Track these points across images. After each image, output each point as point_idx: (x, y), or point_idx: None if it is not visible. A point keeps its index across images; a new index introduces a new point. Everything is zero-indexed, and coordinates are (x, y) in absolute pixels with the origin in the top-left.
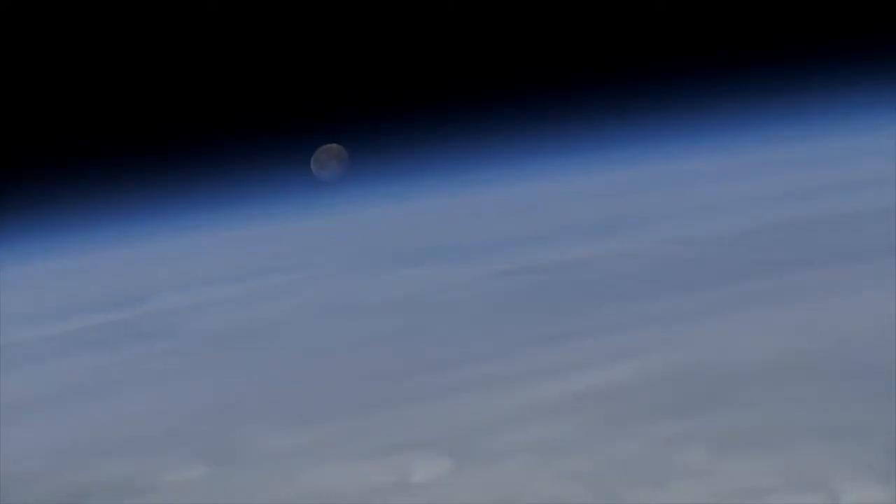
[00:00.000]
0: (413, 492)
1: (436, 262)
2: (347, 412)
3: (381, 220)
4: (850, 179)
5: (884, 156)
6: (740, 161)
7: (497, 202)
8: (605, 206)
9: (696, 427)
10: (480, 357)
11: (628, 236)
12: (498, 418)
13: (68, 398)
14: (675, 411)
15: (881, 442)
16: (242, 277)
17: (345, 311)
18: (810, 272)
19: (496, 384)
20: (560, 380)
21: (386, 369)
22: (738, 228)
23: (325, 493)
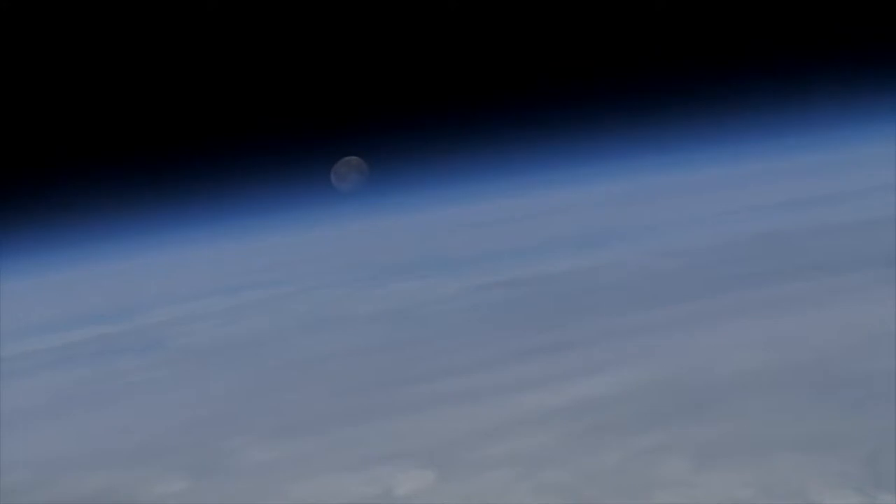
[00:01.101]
0: None
1: (424, 275)
2: (332, 424)
3: (372, 233)
4: (838, 191)
5: (873, 167)
6: (730, 172)
7: (487, 216)
8: (591, 219)
9: (676, 439)
10: (464, 369)
11: (614, 249)
12: (481, 430)
13: (56, 411)
14: (656, 423)
15: (858, 452)
16: (232, 290)
17: (332, 323)
18: (792, 284)
19: (480, 396)
20: (543, 392)
21: (371, 381)
22: (722, 240)
23: None
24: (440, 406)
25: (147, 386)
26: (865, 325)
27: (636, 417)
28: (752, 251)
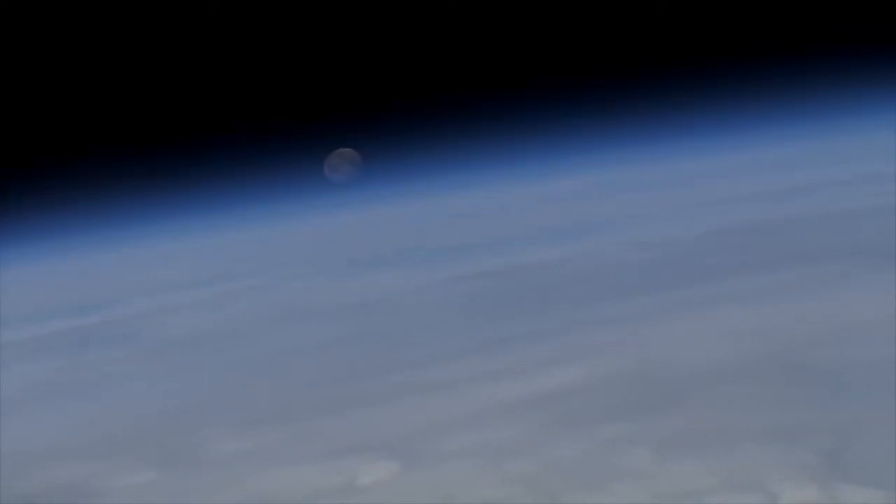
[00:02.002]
0: (358, 495)
1: (398, 267)
2: (301, 415)
3: (351, 225)
4: (815, 182)
5: (850, 159)
6: (708, 164)
7: (464, 207)
8: (568, 211)
9: (640, 429)
10: (435, 360)
11: (590, 240)
12: (448, 421)
13: (27, 402)
14: (622, 413)
15: (820, 443)
16: (211, 282)
17: (307, 315)
18: (766, 275)
19: (448, 387)
20: (511, 383)
21: (341, 373)
22: (699, 231)
23: (272, 496)
24: (408, 397)
25: (121, 377)
26: (836, 316)
27: (603, 408)
28: (728, 242)
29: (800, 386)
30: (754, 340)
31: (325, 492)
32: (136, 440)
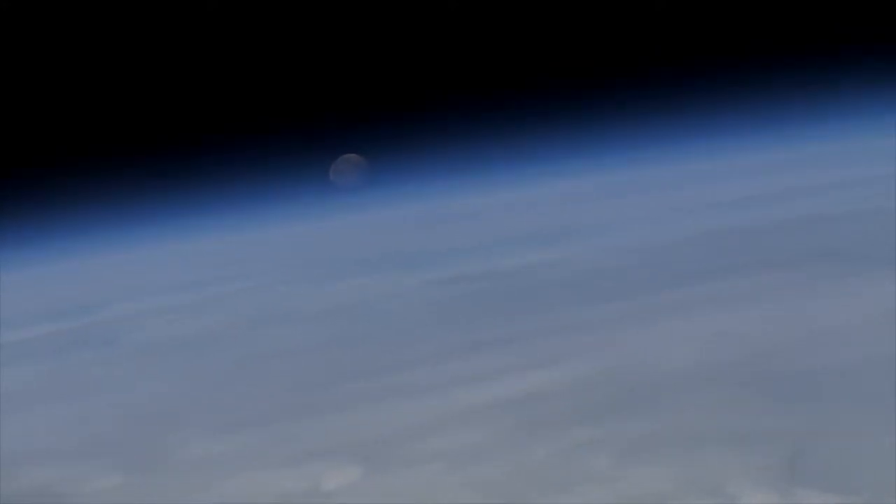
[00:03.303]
0: (321, 500)
1: (380, 272)
2: (274, 420)
3: (340, 230)
4: (794, 187)
5: (832, 164)
6: (689, 169)
7: (449, 212)
8: (551, 216)
9: (606, 433)
10: (408, 365)
11: (571, 245)
12: (418, 425)
13: (3, 407)
14: (589, 418)
15: (783, 448)
16: (194, 286)
17: (287, 320)
18: (742, 280)
19: (420, 392)
20: (482, 387)
21: (316, 377)
22: (679, 236)
23: (237, 500)
24: (381, 401)
25: (99, 382)
26: (809, 321)
27: (571, 412)
28: (707, 247)
29: (768, 390)
30: (726, 345)
31: (289, 496)
32: (110, 444)
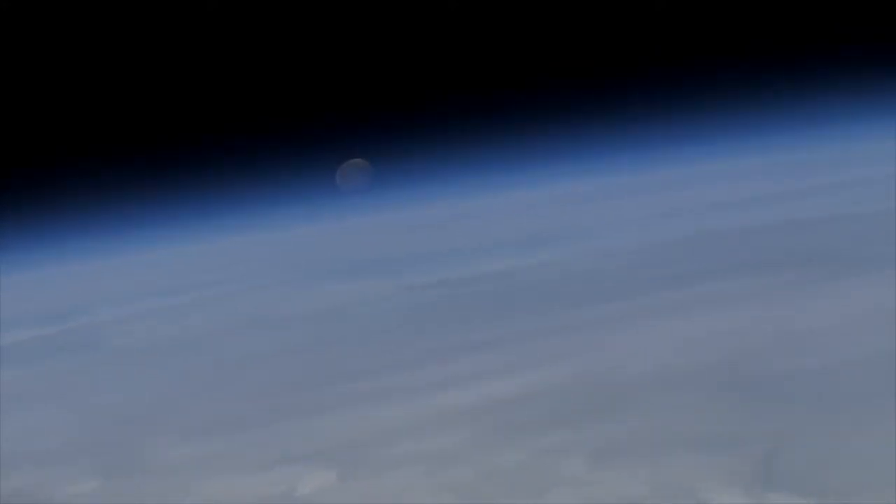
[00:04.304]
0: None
1: (365, 276)
2: (251, 424)
3: (325, 234)
4: (779, 191)
5: (817, 169)
6: (676, 174)
7: (431, 217)
8: (536, 220)
9: (580, 437)
10: (386, 369)
11: (553, 249)
12: (394, 430)
13: None
14: (564, 422)
15: (755, 451)
16: (181, 290)
17: (268, 324)
18: (722, 283)
19: (397, 396)
20: (459, 391)
21: (294, 381)
22: (663, 240)
23: None
24: (357, 406)
25: (80, 386)
26: (787, 325)
27: (548, 416)
28: (690, 251)
29: (741, 394)
30: (709, 348)
31: (264, 501)
32: (87, 448)
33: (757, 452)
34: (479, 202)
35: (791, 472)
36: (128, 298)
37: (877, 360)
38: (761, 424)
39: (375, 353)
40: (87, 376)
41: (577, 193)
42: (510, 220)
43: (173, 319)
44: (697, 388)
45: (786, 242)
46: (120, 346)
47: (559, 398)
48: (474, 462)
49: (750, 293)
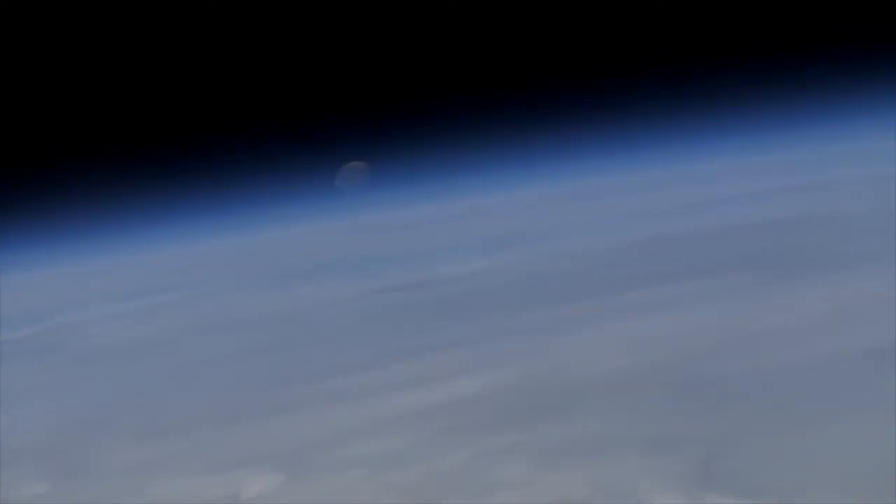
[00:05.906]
0: None
1: (322, 279)
2: (203, 427)
3: (287, 238)
4: (739, 194)
5: (781, 171)
6: (640, 175)
7: (397, 219)
8: (505, 222)
9: (526, 439)
10: (339, 372)
11: (516, 252)
12: (344, 432)
13: None
14: (512, 424)
15: (699, 453)
16: (143, 294)
17: (228, 327)
18: (679, 285)
19: (349, 398)
20: (411, 393)
21: (250, 384)
22: (625, 242)
23: None
24: (309, 408)
25: (34, 390)
26: (739, 327)
27: (495, 418)
28: (649, 253)
29: (690, 396)
30: (655, 350)
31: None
32: (40, 451)
33: (701, 454)
34: (433, 208)
35: (732, 473)
36: (92, 303)
37: (829, 362)
38: (707, 426)
39: (335, 355)
40: (43, 380)
41: (552, 194)
42: (478, 222)
43: (133, 323)
44: (646, 389)
45: (755, 243)
46: (78, 350)
47: (512, 399)
48: (420, 463)
49: (708, 294)
